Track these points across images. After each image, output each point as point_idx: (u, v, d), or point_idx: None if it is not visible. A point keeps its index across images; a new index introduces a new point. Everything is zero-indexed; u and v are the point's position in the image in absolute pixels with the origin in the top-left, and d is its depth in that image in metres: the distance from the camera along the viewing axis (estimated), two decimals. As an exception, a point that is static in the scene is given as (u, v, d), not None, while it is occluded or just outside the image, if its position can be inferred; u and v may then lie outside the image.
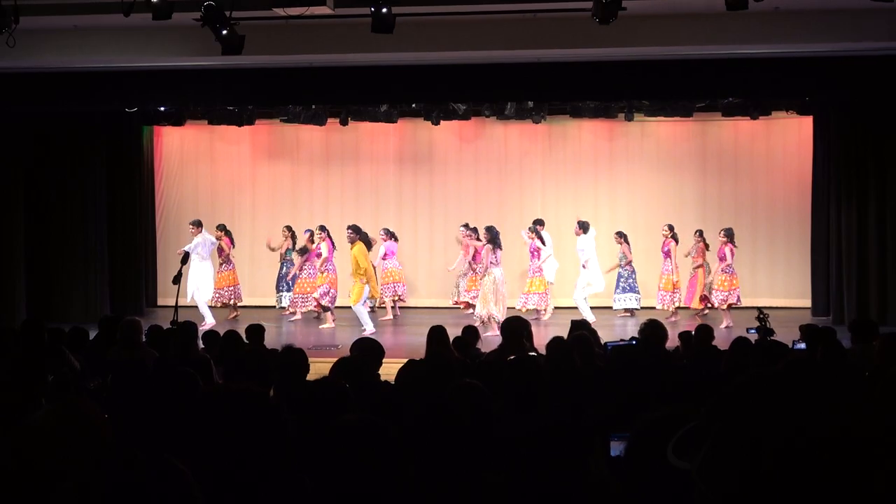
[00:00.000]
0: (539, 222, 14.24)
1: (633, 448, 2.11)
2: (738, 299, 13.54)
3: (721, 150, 15.75)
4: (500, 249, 12.97)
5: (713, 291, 13.58)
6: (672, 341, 7.80)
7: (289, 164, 16.45)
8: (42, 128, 14.32)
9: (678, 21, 10.53)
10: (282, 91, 12.58)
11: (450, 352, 6.81)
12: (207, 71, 11.94)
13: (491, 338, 11.13)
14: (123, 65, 11.75)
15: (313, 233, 13.95)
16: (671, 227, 13.98)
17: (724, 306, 13.41)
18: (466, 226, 14.04)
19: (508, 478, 3.02)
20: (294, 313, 14.12)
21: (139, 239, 15.43)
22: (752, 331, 8.38)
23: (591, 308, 13.72)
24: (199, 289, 13.66)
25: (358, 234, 13.32)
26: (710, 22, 10.38)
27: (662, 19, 10.50)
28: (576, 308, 13.75)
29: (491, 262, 12.79)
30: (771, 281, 15.49)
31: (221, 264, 14.26)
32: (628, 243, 14.28)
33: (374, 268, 14.00)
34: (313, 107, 14.56)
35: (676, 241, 13.96)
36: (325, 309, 13.53)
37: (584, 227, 14.01)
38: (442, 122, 14.92)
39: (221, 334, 8.06)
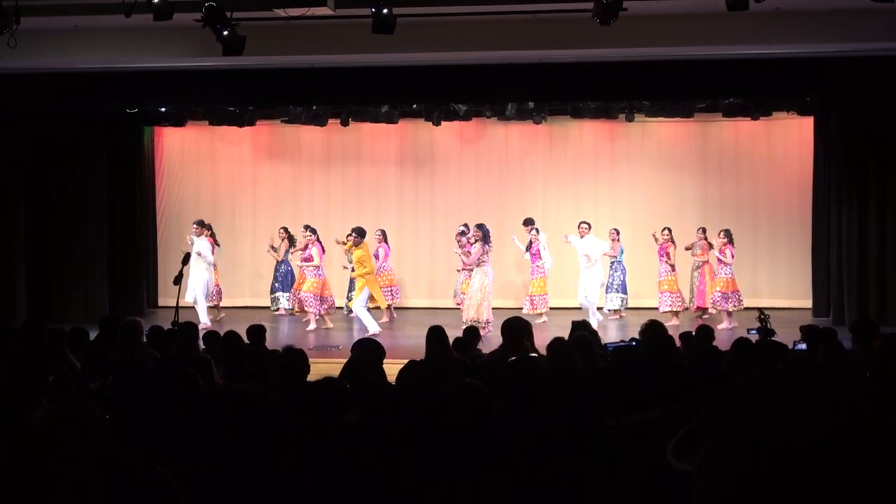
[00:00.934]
0: (530, 221, 14.12)
1: (613, 451, 2.11)
2: (739, 302, 13.50)
3: (722, 151, 15.76)
4: (491, 248, 12.94)
5: (714, 293, 13.53)
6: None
7: (290, 164, 16.45)
8: (43, 128, 14.32)
9: (679, 21, 10.53)
10: (283, 92, 12.58)
11: (449, 352, 6.81)
12: (208, 71, 11.95)
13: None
14: (124, 65, 11.75)
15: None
16: (670, 231, 13.96)
17: (729, 307, 13.36)
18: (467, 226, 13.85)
19: (508, 478, 3.02)
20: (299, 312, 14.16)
21: (140, 239, 15.43)
22: (753, 331, 8.39)
23: (576, 309, 13.55)
24: (197, 290, 13.63)
25: (363, 237, 13.31)
26: (710, 22, 10.37)
27: (663, 20, 10.50)
28: (576, 308, 13.70)
29: (482, 261, 12.72)
30: (772, 281, 15.49)
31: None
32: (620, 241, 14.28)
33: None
34: (314, 107, 14.57)
35: (675, 245, 13.93)
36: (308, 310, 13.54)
37: (589, 226, 13.93)
38: (443, 122, 14.93)
39: (222, 335, 8.06)
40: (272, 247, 14.92)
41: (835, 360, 6.13)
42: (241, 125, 15.22)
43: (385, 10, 9.18)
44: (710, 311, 13.75)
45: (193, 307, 13.36)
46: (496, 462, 3.23)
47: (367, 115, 14.86)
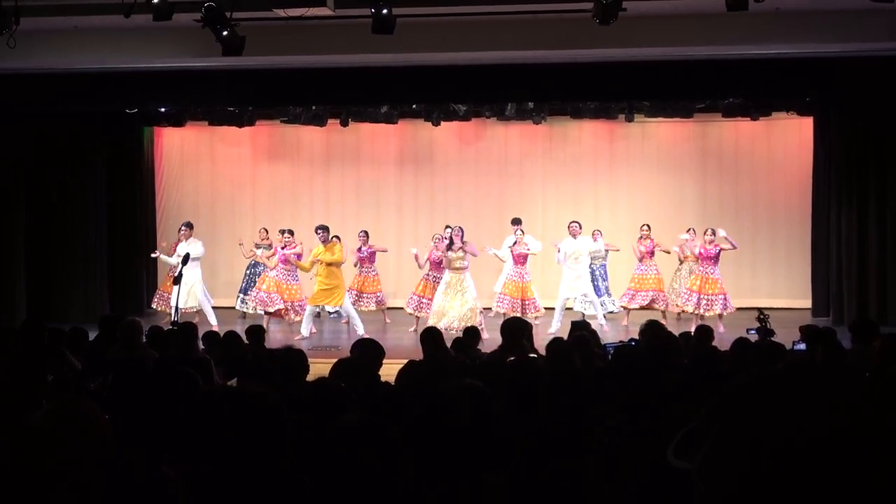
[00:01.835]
0: (518, 221, 13.85)
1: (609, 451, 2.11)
2: (727, 305, 13.09)
3: (721, 151, 15.76)
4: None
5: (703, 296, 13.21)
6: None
7: (289, 165, 16.45)
8: (43, 128, 14.33)
9: (679, 22, 10.53)
10: (282, 92, 12.57)
11: (444, 353, 6.81)
12: (208, 72, 11.94)
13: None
14: (124, 65, 11.74)
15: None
16: (649, 227, 13.85)
17: (716, 312, 12.99)
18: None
19: (508, 478, 3.02)
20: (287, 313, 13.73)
21: (139, 239, 15.43)
22: (753, 331, 8.39)
23: (568, 310, 13.43)
24: (199, 295, 13.58)
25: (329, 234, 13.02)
26: (710, 22, 10.37)
27: (663, 20, 10.50)
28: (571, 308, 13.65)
29: (465, 265, 12.73)
30: (771, 281, 15.49)
31: None
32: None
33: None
34: (314, 108, 14.56)
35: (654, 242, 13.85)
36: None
37: (580, 226, 13.78)
38: (442, 122, 14.93)
39: (222, 335, 8.06)
40: (256, 247, 14.52)
41: (834, 361, 6.13)
42: (240, 125, 15.21)
43: (385, 11, 9.17)
44: (695, 313, 13.20)
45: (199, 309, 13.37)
46: (496, 462, 3.22)
47: (367, 115, 14.86)
